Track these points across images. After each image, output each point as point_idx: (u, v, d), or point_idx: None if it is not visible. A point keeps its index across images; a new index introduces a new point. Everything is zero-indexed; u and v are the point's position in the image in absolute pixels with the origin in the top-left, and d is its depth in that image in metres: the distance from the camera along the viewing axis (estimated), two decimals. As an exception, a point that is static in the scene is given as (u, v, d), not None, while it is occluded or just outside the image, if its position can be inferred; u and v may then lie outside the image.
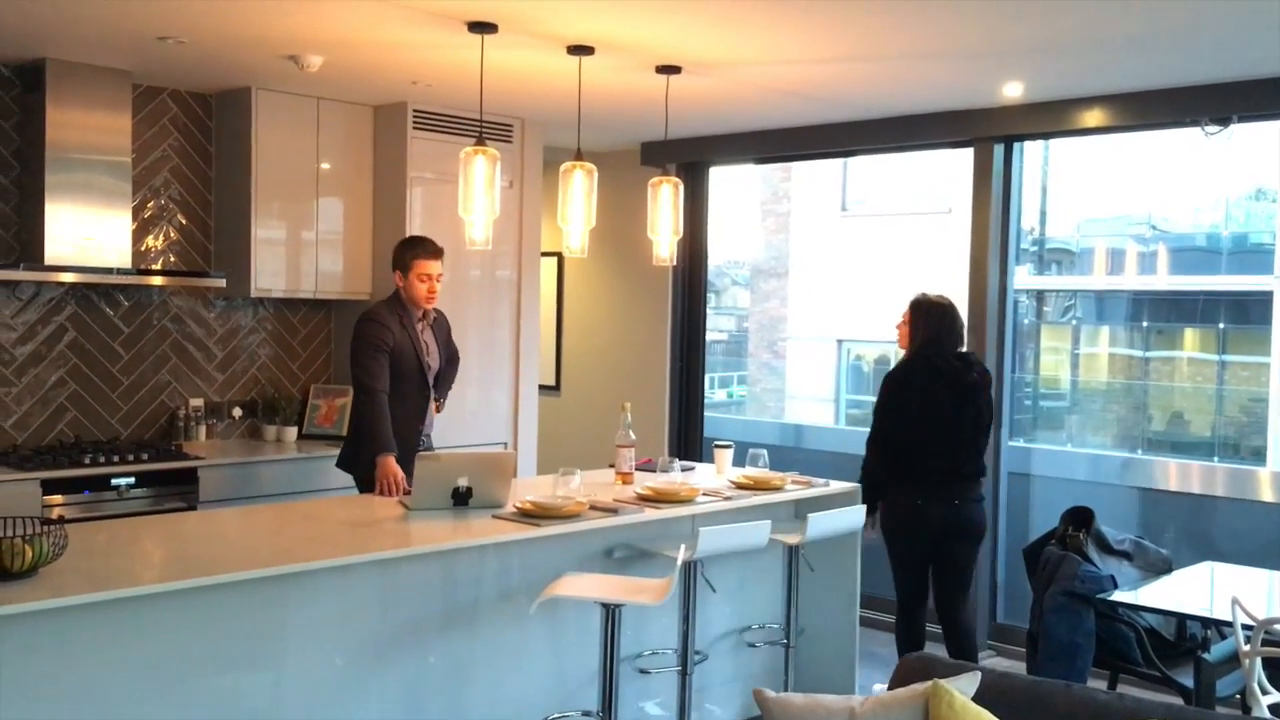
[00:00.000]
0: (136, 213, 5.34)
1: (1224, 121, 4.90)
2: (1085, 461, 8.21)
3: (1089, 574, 4.27)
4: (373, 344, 4.51)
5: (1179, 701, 3.75)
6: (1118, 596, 4.15)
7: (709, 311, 7.32)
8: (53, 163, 4.84)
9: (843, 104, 5.46)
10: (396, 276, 4.65)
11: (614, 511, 3.94)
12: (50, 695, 2.79)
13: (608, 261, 7.17)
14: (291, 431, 5.71)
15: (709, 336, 7.29)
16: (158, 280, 5.30)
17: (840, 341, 12.54)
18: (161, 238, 5.52)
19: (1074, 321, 10.56)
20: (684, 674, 4.06)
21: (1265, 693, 3.68)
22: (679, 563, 3.58)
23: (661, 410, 7.04)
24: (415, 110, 5.71)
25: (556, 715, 3.85)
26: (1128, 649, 4.27)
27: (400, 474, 4.34)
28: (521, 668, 3.84)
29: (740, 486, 4.52)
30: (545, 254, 6.57)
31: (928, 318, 4.61)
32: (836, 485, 4.69)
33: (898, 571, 4.69)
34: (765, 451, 4.69)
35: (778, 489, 4.54)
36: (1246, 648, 3.62)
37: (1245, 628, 3.64)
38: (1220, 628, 3.94)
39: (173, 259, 5.54)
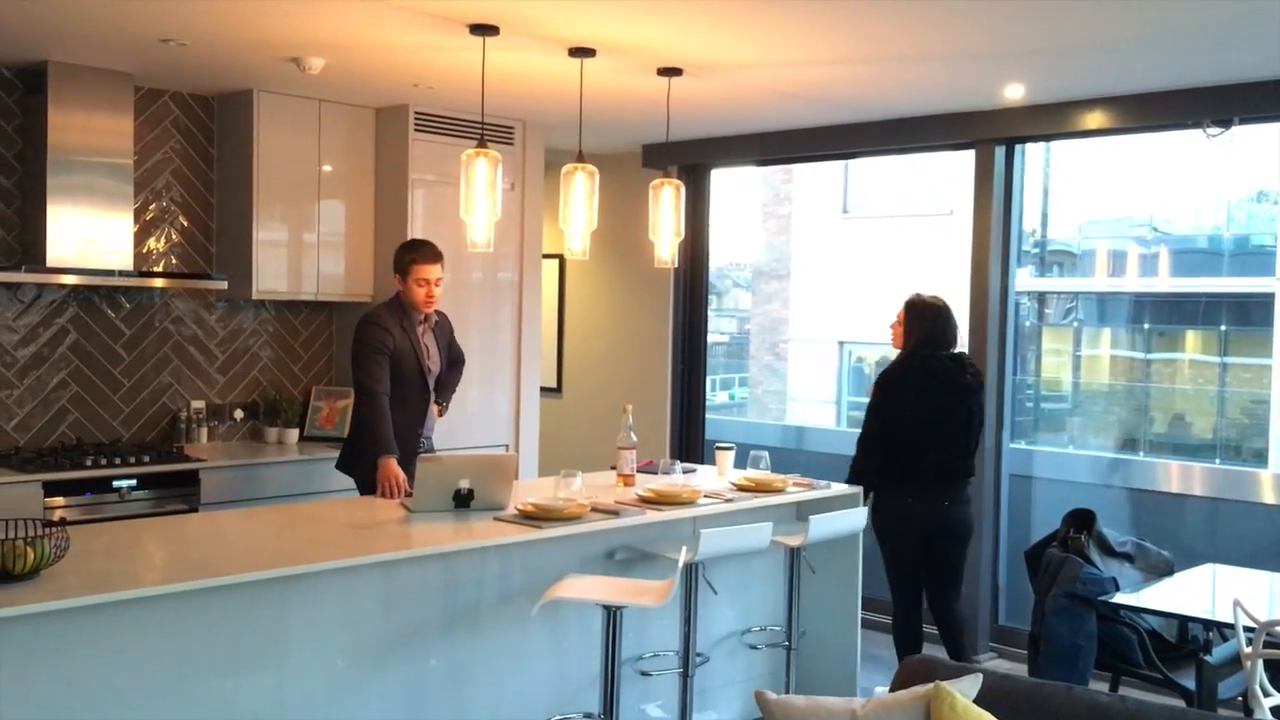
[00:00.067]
0: (138, 215, 5.34)
1: (1225, 123, 4.90)
2: (1087, 463, 8.19)
3: (1091, 576, 4.27)
4: (373, 346, 4.52)
5: (1181, 704, 3.74)
6: (1119, 599, 4.15)
7: (710, 313, 7.31)
8: (54, 165, 4.85)
9: (844, 106, 5.46)
10: (396, 280, 4.67)
11: (615, 513, 3.94)
12: (52, 697, 2.79)
13: (609, 264, 7.17)
14: (293, 433, 5.71)
15: (710, 338, 7.29)
16: (159, 282, 5.31)
17: (842, 343, 12.52)
18: (163, 240, 5.52)
19: (1075, 323, 10.53)
20: (685, 676, 4.06)
21: (1267, 695, 3.68)
22: (680, 565, 3.58)
23: (663, 412, 7.04)
24: (417, 112, 5.72)
25: (558, 717, 3.85)
26: (1129, 651, 4.27)
27: (402, 476, 4.34)
28: (523, 670, 3.84)
29: (742, 488, 4.52)
30: (547, 256, 6.58)
31: (922, 318, 4.62)
32: (838, 487, 4.69)
33: (891, 571, 4.71)
34: (767, 453, 4.68)
35: (779, 491, 4.54)
36: (1248, 650, 3.62)
37: (1247, 630, 3.64)
38: (1222, 630, 3.94)
39: (174, 261, 5.55)
